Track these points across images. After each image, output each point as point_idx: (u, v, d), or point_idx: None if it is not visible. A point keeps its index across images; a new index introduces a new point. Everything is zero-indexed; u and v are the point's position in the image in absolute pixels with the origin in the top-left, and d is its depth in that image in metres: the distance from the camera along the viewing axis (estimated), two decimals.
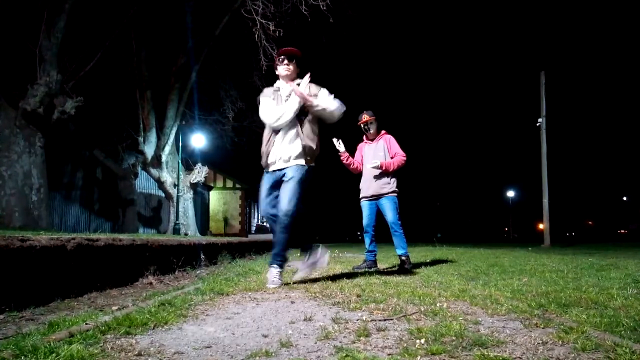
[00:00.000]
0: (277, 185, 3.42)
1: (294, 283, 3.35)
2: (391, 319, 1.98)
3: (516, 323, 1.89)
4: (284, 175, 3.38)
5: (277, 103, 3.42)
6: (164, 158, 12.76)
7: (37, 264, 2.55)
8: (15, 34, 8.20)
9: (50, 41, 7.88)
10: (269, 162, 3.43)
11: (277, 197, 3.35)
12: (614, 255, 7.10)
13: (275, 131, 3.40)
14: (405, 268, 4.57)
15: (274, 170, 3.43)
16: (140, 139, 12.38)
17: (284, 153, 3.37)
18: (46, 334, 1.65)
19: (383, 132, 4.95)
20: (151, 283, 3.68)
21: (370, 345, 1.57)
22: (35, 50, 7.86)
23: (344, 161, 4.88)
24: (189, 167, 14.54)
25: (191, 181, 13.60)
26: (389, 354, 1.45)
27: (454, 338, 1.61)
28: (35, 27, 7.97)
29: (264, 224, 40.22)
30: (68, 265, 2.83)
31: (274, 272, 3.29)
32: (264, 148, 3.47)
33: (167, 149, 12.78)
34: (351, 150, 5.00)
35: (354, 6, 11.32)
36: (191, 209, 13.69)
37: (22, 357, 1.38)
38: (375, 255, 4.86)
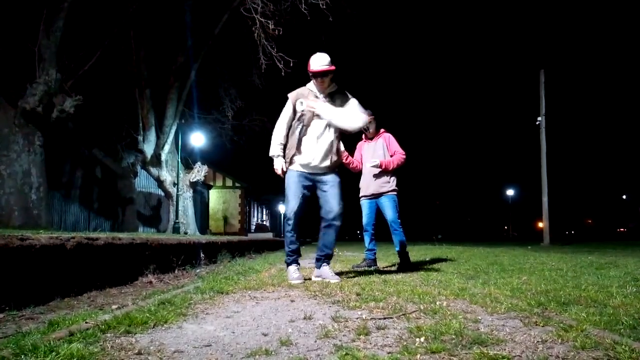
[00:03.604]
0: (309, 188, 3.56)
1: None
2: (391, 318, 1.99)
3: (516, 321, 1.89)
4: (320, 179, 3.54)
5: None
6: (163, 157, 12.74)
7: (36, 263, 2.55)
8: (14, 33, 8.19)
9: (49, 40, 7.86)
10: (301, 162, 3.51)
11: (305, 199, 3.53)
12: (613, 254, 7.10)
13: (304, 132, 3.49)
14: (404, 266, 4.57)
15: (309, 173, 3.54)
16: (140, 138, 12.36)
17: (323, 157, 3.50)
18: (46, 333, 1.65)
19: (382, 130, 4.94)
20: (151, 282, 3.68)
21: (370, 343, 1.57)
22: (34, 49, 7.84)
23: (344, 160, 4.87)
24: (188, 166, 14.53)
25: (191, 180, 13.59)
26: (388, 353, 1.45)
27: (453, 336, 1.61)
28: (34, 26, 7.95)
29: (264, 222, 40.07)
30: (68, 264, 2.83)
31: (327, 269, 3.60)
32: (291, 142, 3.54)
33: (167, 147, 12.77)
34: (350, 149, 5.00)
35: (353, 5, 11.31)
36: (191, 208, 13.69)
37: (22, 356, 1.38)
38: (375, 253, 4.87)
